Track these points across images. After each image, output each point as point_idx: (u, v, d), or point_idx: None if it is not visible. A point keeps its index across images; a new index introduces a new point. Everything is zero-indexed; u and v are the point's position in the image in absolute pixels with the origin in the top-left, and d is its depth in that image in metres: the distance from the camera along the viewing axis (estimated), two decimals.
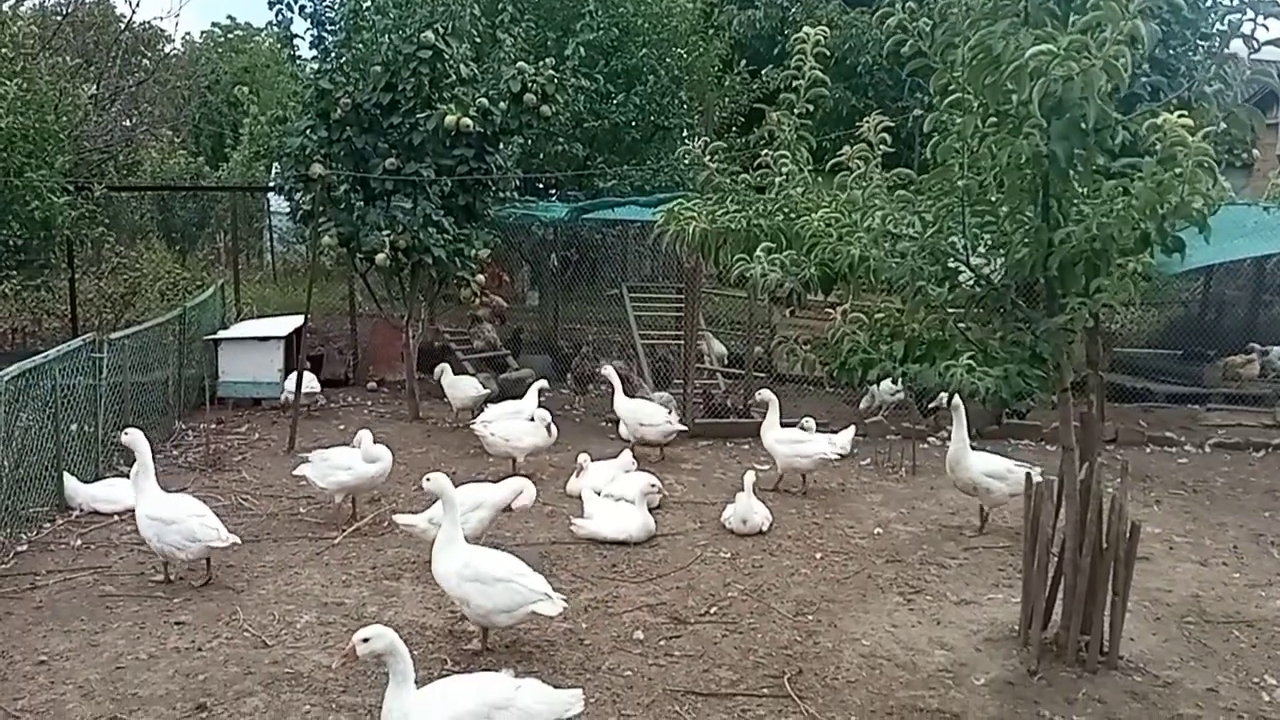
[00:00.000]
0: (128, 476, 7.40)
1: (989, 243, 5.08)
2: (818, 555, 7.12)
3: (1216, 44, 6.43)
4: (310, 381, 10.59)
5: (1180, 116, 4.14)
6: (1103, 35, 3.97)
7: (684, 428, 10.06)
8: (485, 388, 11.34)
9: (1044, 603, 5.40)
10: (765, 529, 7.51)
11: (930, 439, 10.85)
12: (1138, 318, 15.42)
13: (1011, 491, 7.49)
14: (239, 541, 6.36)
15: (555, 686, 4.91)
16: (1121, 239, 4.46)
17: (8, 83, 10.94)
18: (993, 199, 4.95)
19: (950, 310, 5.13)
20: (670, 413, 10.12)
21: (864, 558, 7.10)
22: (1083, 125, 4.17)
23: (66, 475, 7.62)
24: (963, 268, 5.05)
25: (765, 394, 9.38)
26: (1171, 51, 11.95)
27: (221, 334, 12.15)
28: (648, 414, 9.89)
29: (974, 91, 4.60)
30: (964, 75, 4.57)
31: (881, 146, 5.30)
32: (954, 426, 7.98)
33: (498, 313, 13.70)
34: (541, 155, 15.06)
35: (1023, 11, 4.30)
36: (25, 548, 6.86)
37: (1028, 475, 5.71)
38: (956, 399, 8.07)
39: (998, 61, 4.23)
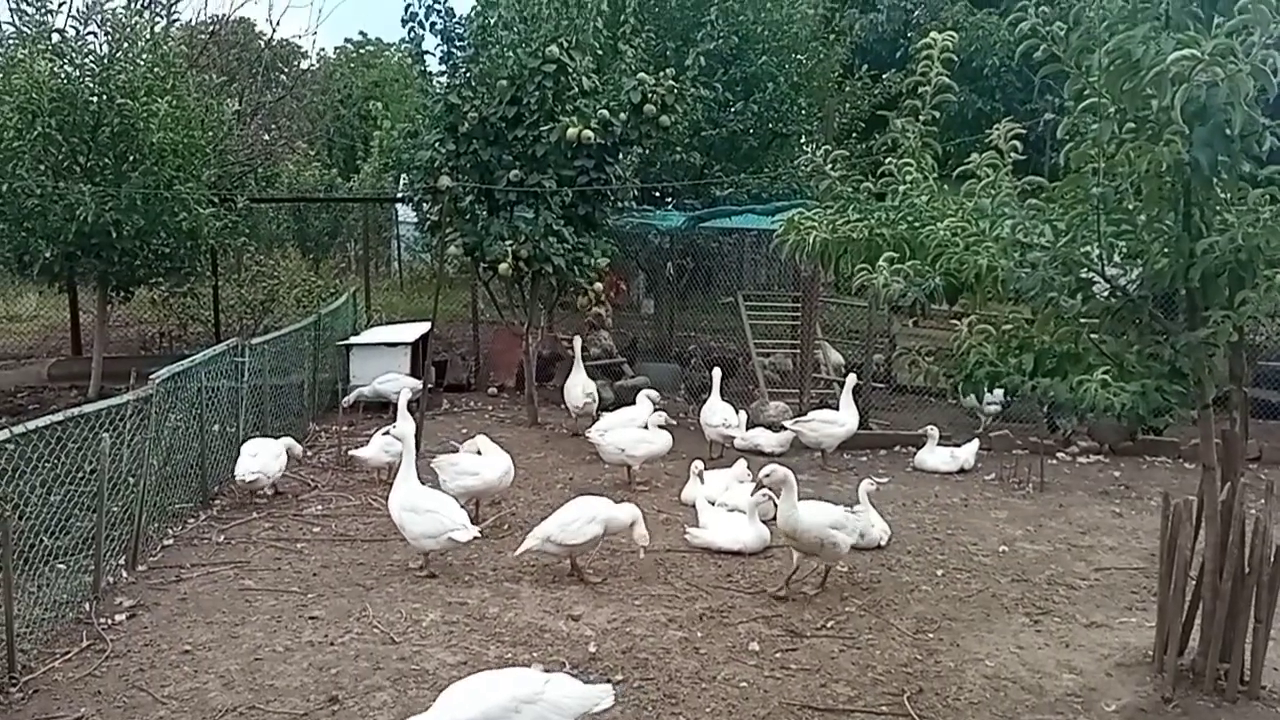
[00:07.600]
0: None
1: (1125, 252, 4.90)
2: (939, 572, 6.96)
3: None
4: (417, 385, 10.90)
5: None
6: (1250, 39, 3.80)
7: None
8: (597, 395, 11.35)
9: (1180, 628, 5.16)
10: (883, 543, 7.39)
11: (1060, 454, 10.50)
12: None
13: (851, 541, 6.56)
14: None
15: (670, 695, 4.99)
16: (1269, 249, 4.25)
17: (160, 100, 11.57)
18: (1130, 207, 4.77)
19: (1083, 322, 4.95)
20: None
21: (988, 576, 6.92)
22: (1228, 131, 3.98)
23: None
24: (1097, 278, 4.88)
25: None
26: None
27: (353, 339, 12.63)
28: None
29: (1111, 97, 4.44)
30: (1100, 81, 4.42)
31: (1012, 154, 5.19)
32: (783, 494, 6.47)
33: (601, 324, 13.87)
34: (659, 164, 15.16)
35: (1163, 15, 4.14)
36: (171, 542, 7.27)
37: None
38: (779, 469, 6.60)
39: (1137, 67, 4.08)
